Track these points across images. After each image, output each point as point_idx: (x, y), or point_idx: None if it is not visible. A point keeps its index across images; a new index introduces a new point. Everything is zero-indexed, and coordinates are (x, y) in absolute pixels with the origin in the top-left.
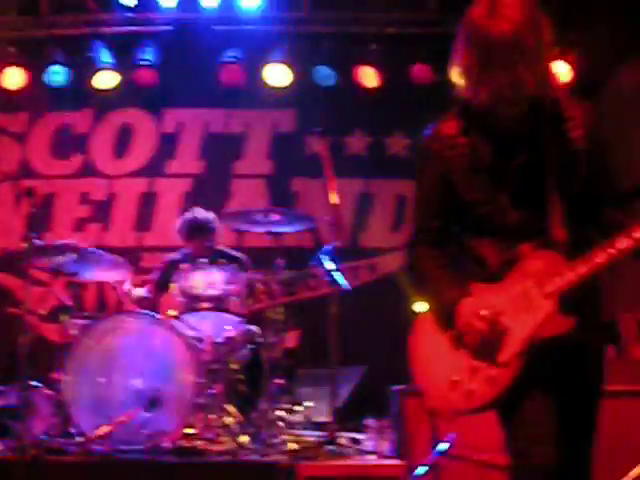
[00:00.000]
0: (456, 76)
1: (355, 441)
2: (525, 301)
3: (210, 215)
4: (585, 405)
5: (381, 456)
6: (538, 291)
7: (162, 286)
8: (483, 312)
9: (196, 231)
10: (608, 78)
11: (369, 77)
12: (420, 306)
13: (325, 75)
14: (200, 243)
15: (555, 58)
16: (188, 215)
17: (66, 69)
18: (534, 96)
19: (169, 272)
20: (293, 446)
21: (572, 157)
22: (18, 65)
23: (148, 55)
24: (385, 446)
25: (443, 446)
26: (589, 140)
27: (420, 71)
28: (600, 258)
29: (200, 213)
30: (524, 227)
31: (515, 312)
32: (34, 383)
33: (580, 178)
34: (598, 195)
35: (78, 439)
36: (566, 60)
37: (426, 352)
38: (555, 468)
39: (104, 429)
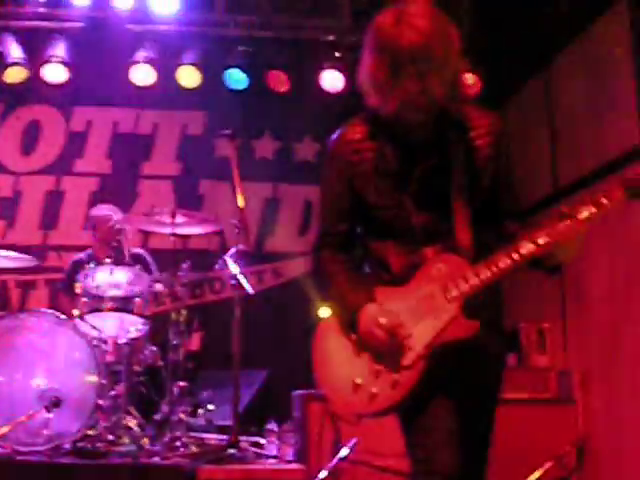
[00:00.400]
0: (364, 84)
1: (257, 445)
2: (429, 305)
3: (117, 214)
4: (483, 411)
5: (282, 460)
6: (442, 295)
7: (67, 286)
8: (382, 320)
9: (102, 229)
10: (514, 92)
11: (279, 82)
12: (325, 311)
13: (236, 78)
14: (106, 242)
15: (464, 69)
16: (94, 212)
17: None
18: (442, 105)
19: (74, 272)
20: (194, 449)
21: (475, 165)
22: None
23: (59, 51)
24: (287, 450)
25: (344, 451)
26: (494, 150)
27: (330, 78)
28: (503, 263)
29: (107, 211)
30: (428, 231)
31: (418, 316)
32: None
33: (483, 187)
34: (500, 206)
35: None
36: (474, 72)
37: (330, 355)
38: (455, 475)
39: (3, 429)
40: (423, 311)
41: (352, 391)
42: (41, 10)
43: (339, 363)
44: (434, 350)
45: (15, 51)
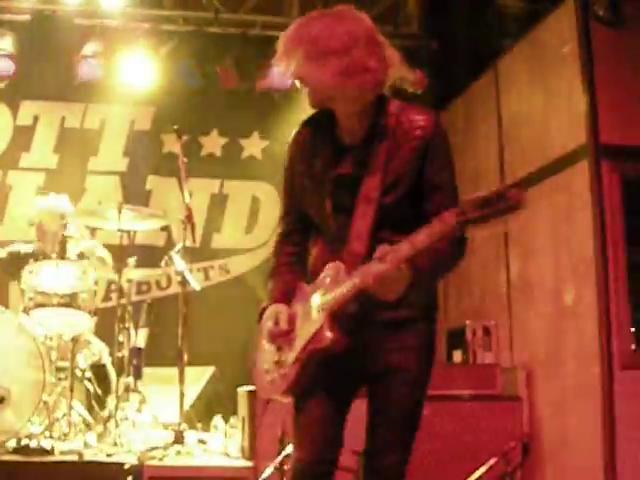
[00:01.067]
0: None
1: (203, 442)
2: (308, 312)
3: (65, 205)
4: (396, 408)
5: (229, 457)
6: (317, 303)
7: (10, 274)
8: (269, 323)
9: (49, 224)
10: (462, 91)
11: (228, 78)
12: None
13: (185, 74)
14: (52, 237)
15: (400, 71)
16: (41, 206)
17: None
18: (374, 109)
19: (16, 261)
20: (140, 446)
21: (396, 169)
22: None
23: (5, 44)
24: (233, 447)
25: (291, 447)
26: (420, 152)
27: (278, 74)
28: (384, 266)
29: (53, 205)
30: (340, 235)
31: (306, 319)
32: None
33: (402, 191)
34: (427, 207)
35: None
36: (421, 71)
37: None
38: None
39: None
40: (306, 317)
41: (264, 375)
42: None
43: (263, 349)
44: (307, 356)
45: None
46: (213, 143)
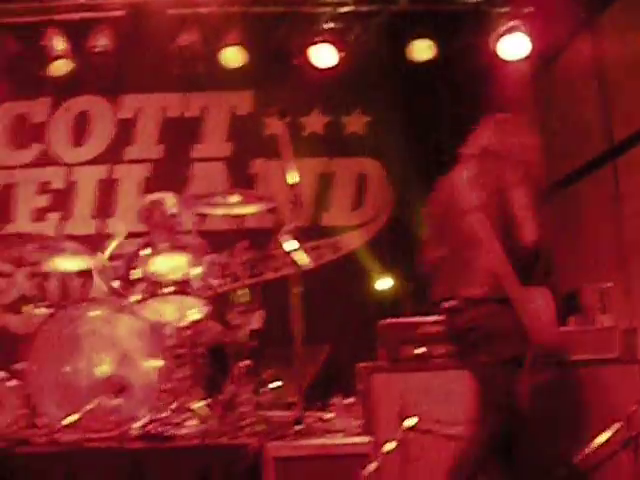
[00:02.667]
0: None
1: (323, 420)
2: None
3: (171, 199)
4: None
5: (349, 434)
6: None
7: (125, 274)
8: None
9: (157, 215)
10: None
11: (326, 56)
12: (383, 283)
13: (282, 55)
14: (161, 227)
15: None
16: (148, 199)
17: (20, 58)
18: None
19: (131, 260)
20: (261, 427)
21: None
22: None
23: (102, 41)
24: (353, 424)
25: (411, 421)
26: None
27: (380, 48)
28: None
29: (160, 197)
30: None
31: None
32: None
33: None
34: None
35: (45, 429)
36: (525, 31)
37: None
38: None
39: (72, 418)
40: None
41: None
42: (82, 1)
43: None
44: None
45: (59, 44)
46: (315, 122)
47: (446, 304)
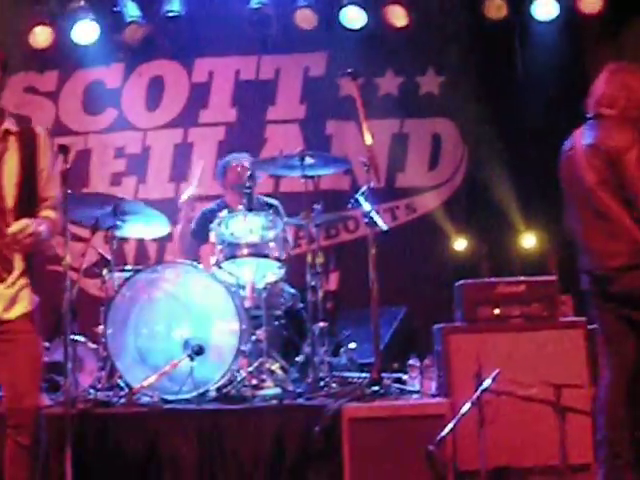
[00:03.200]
0: None
1: (399, 381)
2: None
3: (245, 160)
4: None
5: (426, 395)
6: None
7: (200, 236)
8: None
9: (233, 177)
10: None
11: (398, 16)
12: (460, 244)
13: (354, 16)
14: (237, 189)
15: None
16: (224, 162)
17: (94, 25)
18: None
19: (205, 222)
20: (338, 389)
21: None
22: (45, 24)
23: (175, 5)
24: (429, 385)
25: (487, 382)
26: None
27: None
28: None
29: (236, 159)
30: None
31: None
32: (79, 338)
33: None
34: None
35: (124, 391)
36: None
37: None
38: None
39: (150, 380)
40: None
41: None
42: None
43: None
44: None
45: (132, 9)
46: (389, 83)
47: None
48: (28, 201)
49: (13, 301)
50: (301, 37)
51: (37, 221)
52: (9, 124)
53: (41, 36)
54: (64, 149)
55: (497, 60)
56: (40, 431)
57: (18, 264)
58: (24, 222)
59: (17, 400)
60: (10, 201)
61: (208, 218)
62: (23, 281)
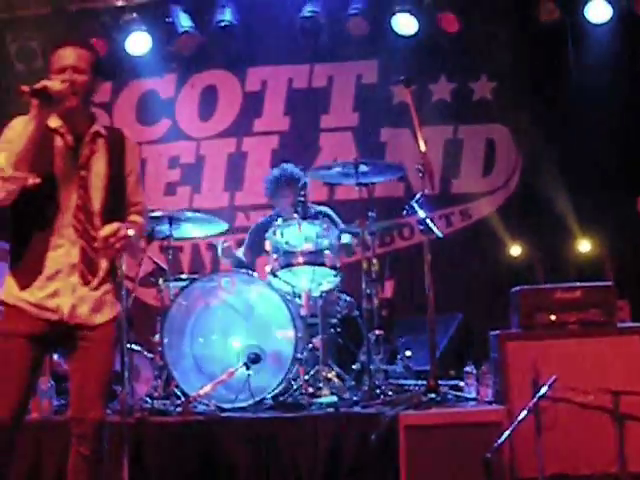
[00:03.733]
0: None
1: (456, 388)
2: None
3: (299, 170)
4: None
5: (482, 402)
6: None
7: (255, 249)
8: None
9: (286, 186)
10: None
11: (450, 22)
12: (515, 250)
13: (405, 23)
14: (291, 198)
15: None
16: (277, 171)
17: (146, 36)
18: None
19: (260, 234)
20: (394, 396)
21: None
22: (99, 36)
23: (227, 15)
24: (486, 392)
25: (544, 389)
26: None
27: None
28: None
29: (289, 168)
30: None
31: None
32: (135, 347)
33: None
34: None
35: (180, 400)
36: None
37: None
38: None
39: (206, 388)
40: None
41: None
42: None
43: None
44: None
45: (184, 20)
46: (442, 89)
47: None
48: (115, 204)
49: (98, 306)
50: (353, 45)
51: (127, 224)
52: (98, 127)
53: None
54: None
55: (550, 64)
56: (102, 443)
57: (103, 268)
58: (115, 225)
59: (83, 410)
60: (97, 204)
61: (262, 230)
62: (108, 286)
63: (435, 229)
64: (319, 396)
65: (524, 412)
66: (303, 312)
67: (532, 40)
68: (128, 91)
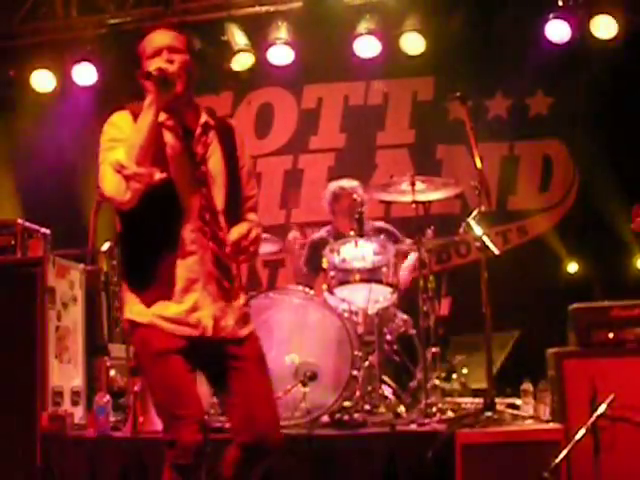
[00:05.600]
0: None
1: (513, 406)
2: None
3: (356, 186)
4: None
5: (539, 421)
6: None
7: (312, 265)
8: None
9: (344, 203)
10: None
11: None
12: (572, 267)
13: (460, 40)
14: (347, 215)
15: None
16: (334, 187)
17: (203, 54)
18: None
19: (315, 250)
20: (451, 414)
21: None
22: None
23: (282, 33)
24: (543, 410)
25: (603, 408)
26: None
27: (557, 30)
28: None
29: (346, 184)
30: None
31: None
32: None
33: None
34: None
35: None
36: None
37: None
38: None
39: None
40: None
41: None
42: None
43: None
44: None
45: (240, 38)
46: (499, 105)
47: None
48: (235, 201)
49: (242, 316)
50: (408, 61)
51: (253, 224)
52: (206, 117)
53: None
54: None
55: (606, 79)
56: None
57: (237, 274)
58: (245, 226)
59: (259, 438)
60: (220, 202)
61: (318, 246)
62: (242, 293)
63: (492, 246)
64: (375, 414)
65: (582, 431)
66: (360, 330)
67: (588, 54)
68: None
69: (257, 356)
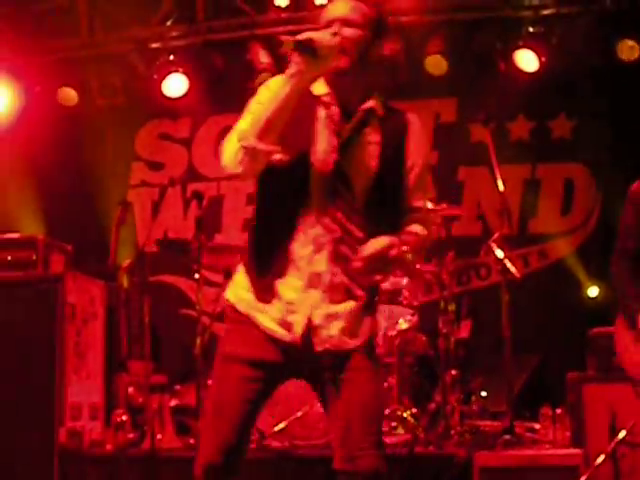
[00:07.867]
0: None
1: (532, 430)
2: None
3: None
4: None
5: (558, 445)
6: None
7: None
8: None
9: None
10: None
11: (530, 61)
12: (593, 290)
13: (485, 61)
14: None
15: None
16: None
17: (227, 73)
18: None
19: None
20: (469, 437)
21: None
22: (179, 72)
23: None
24: (562, 435)
25: (622, 434)
26: None
27: (584, 50)
28: None
29: None
30: None
31: None
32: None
33: None
34: None
35: (255, 435)
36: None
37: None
38: None
39: (280, 425)
40: None
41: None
42: (283, 15)
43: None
44: None
45: (264, 57)
46: (521, 128)
47: None
48: (381, 204)
49: (353, 324)
50: (431, 82)
51: (400, 240)
52: (375, 103)
53: (175, 84)
54: (198, 196)
55: (629, 102)
56: None
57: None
58: (384, 241)
59: (352, 461)
60: (360, 198)
61: None
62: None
63: (512, 269)
64: (394, 435)
65: (602, 457)
66: (379, 351)
67: (611, 77)
68: (207, 127)
69: (366, 367)
